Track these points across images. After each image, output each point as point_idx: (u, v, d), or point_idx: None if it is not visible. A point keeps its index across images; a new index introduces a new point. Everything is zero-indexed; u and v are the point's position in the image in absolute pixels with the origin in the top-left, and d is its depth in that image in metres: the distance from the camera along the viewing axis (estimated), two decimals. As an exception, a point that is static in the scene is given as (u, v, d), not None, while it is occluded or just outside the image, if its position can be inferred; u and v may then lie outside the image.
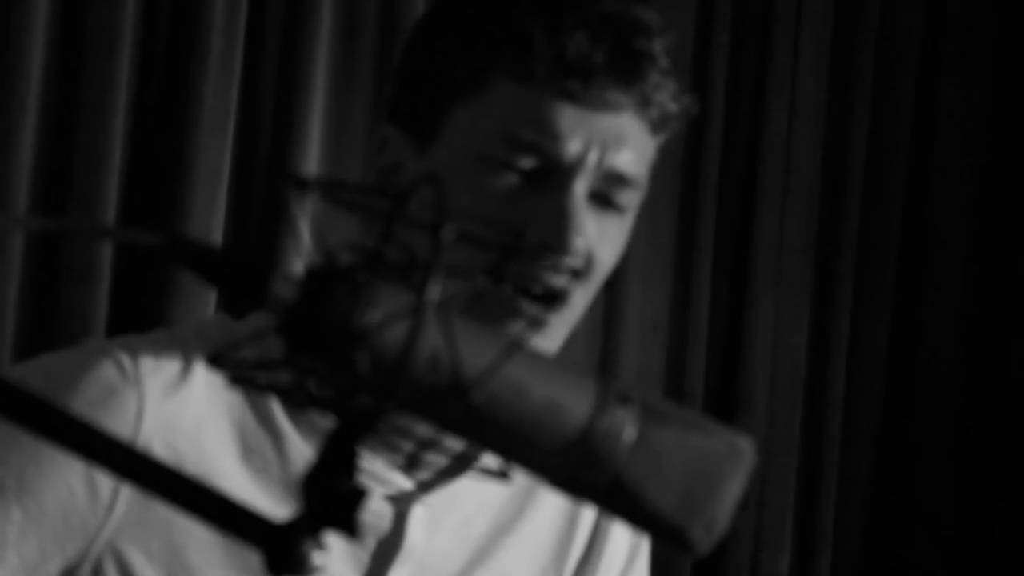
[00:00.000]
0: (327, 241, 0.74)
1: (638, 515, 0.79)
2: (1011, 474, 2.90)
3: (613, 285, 2.65)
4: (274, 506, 1.22)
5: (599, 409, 0.77)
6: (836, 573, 2.88)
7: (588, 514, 1.40)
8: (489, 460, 1.29)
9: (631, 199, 1.25)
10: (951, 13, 2.93)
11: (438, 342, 0.74)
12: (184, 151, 2.42)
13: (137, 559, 1.21)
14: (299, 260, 2.39)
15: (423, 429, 1.26)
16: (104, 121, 2.37)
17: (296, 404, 0.75)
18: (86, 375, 1.20)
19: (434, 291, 0.72)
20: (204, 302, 2.42)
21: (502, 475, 0.82)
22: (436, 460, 1.29)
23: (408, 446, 1.26)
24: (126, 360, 1.21)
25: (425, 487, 1.29)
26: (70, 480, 1.19)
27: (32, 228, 1.80)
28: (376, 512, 1.27)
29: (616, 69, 1.21)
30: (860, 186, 2.89)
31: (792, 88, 2.85)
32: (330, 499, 0.72)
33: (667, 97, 1.25)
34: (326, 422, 0.74)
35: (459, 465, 1.30)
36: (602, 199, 1.23)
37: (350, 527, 0.72)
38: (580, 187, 1.21)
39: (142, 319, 2.39)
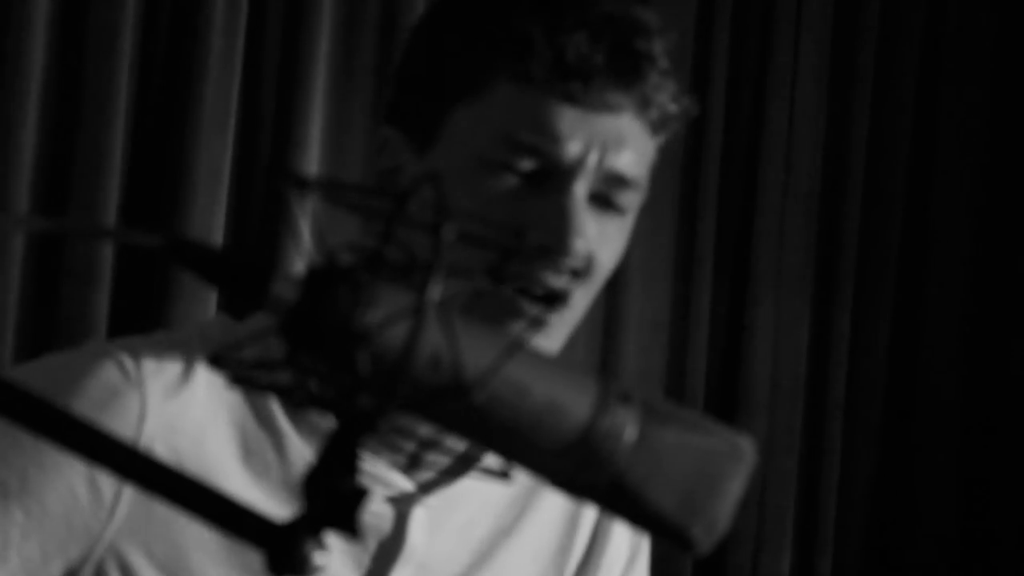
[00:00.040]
0: (328, 241, 0.74)
1: (639, 515, 0.79)
2: (1011, 474, 2.90)
3: (614, 285, 2.65)
4: (275, 507, 1.22)
5: (600, 409, 0.77)
6: (837, 573, 2.88)
7: (589, 515, 1.40)
8: (490, 461, 1.29)
9: (631, 200, 1.25)
10: (951, 13, 2.93)
11: (439, 342, 0.74)
12: (184, 151, 2.42)
13: (139, 560, 1.21)
14: (300, 260, 2.39)
15: (424, 429, 1.26)
16: (105, 121, 2.37)
17: (297, 404, 0.75)
18: (88, 377, 1.20)
19: (435, 291, 0.72)
20: (205, 303, 2.42)
21: (503, 475, 0.82)
22: (437, 461, 1.29)
23: (409, 446, 1.26)
24: (128, 362, 1.21)
25: (426, 488, 1.29)
26: (72, 481, 1.19)
27: (33, 229, 1.80)
28: (376, 513, 1.27)
29: (616, 70, 1.21)
30: (860, 186, 2.89)
31: (792, 88, 2.85)
32: (331, 499, 0.72)
33: (667, 98, 1.24)
34: (327, 423, 0.74)
35: (460, 466, 1.30)
36: (602, 200, 1.23)
37: (351, 527, 0.72)
38: (580, 189, 1.21)
39: (143, 320, 2.39)
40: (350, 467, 0.72)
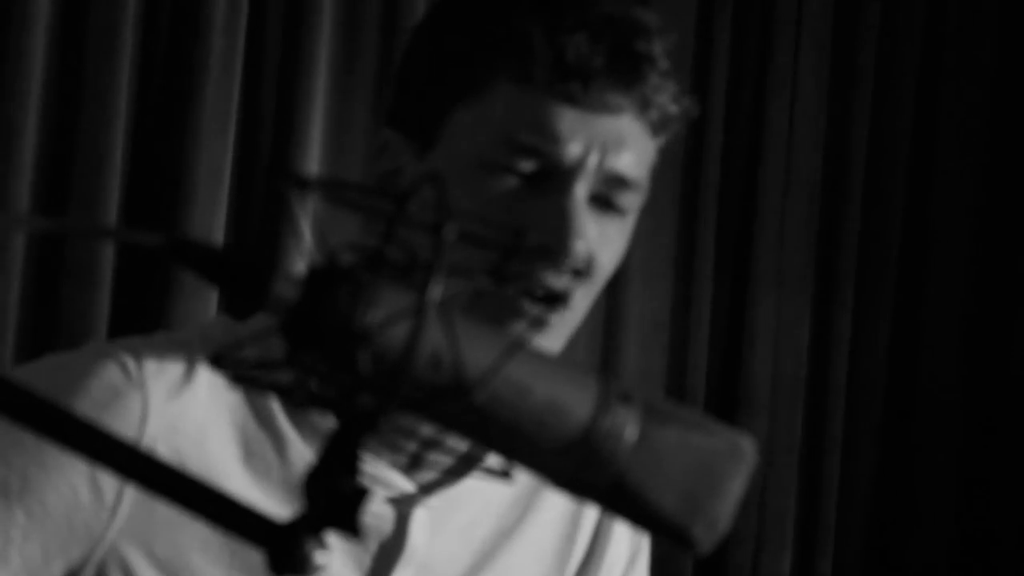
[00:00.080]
0: (328, 241, 0.74)
1: (640, 514, 0.79)
2: (1011, 474, 2.90)
3: (614, 285, 2.65)
4: (275, 508, 1.22)
5: (601, 408, 0.77)
6: (837, 573, 2.88)
7: (590, 516, 1.40)
8: (492, 461, 1.29)
9: (632, 201, 1.25)
10: (951, 13, 2.93)
11: (440, 342, 0.74)
12: (185, 151, 2.42)
13: (140, 561, 1.21)
14: (300, 260, 2.39)
15: (426, 429, 1.26)
16: (105, 121, 2.38)
17: (297, 404, 0.75)
18: (90, 377, 1.20)
19: (436, 291, 0.72)
20: (205, 303, 2.42)
21: (504, 475, 0.82)
22: (438, 461, 1.29)
23: (410, 447, 1.26)
24: (130, 362, 1.21)
25: (427, 489, 1.29)
26: (74, 482, 1.19)
27: (33, 228, 1.80)
28: (377, 514, 1.27)
29: (616, 71, 1.21)
30: (860, 186, 2.89)
31: (792, 88, 2.85)
32: (331, 499, 0.72)
33: (667, 99, 1.24)
34: (327, 424, 0.74)
35: (461, 467, 1.30)
36: (603, 202, 1.23)
37: (352, 527, 0.72)
38: (580, 190, 1.21)
39: (143, 320, 2.39)
40: (351, 467, 0.72)
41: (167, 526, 1.21)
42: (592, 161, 1.21)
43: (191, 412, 1.21)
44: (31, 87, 2.35)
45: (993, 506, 2.91)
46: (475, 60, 1.22)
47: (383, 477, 1.26)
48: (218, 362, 0.75)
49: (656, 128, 1.25)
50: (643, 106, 1.23)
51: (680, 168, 2.79)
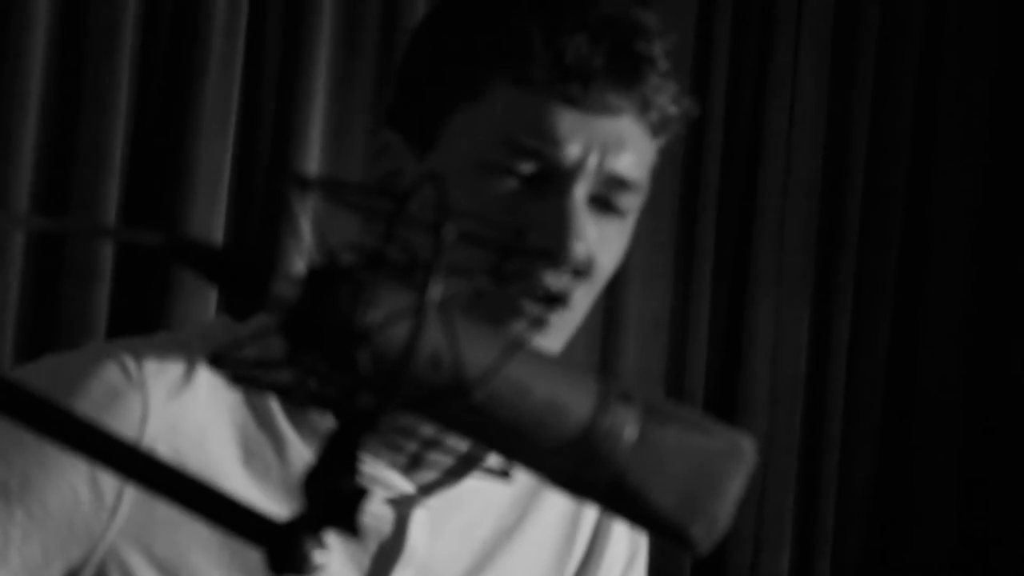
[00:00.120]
0: (328, 241, 0.74)
1: (639, 514, 0.79)
2: (1011, 474, 2.90)
3: (614, 285, 2.64)
4: (275, 508, 1.21)
5: (600, 408, 0.77)
6: (836, 573, 2.89)
7: (590, 516, 1.40)
8: (492, 460, 1.29)
9: (632, 203, 1.25)
10: (951, 13, 2.93)
11: (440, 341, 0.74)
12: (185, 152, 2.42)
13: (140, 561, 1.21)
14: (300, 260, 2.39)
15: (425, 429, 1.26)
16: (105, 121, 2.38)
17: (297, 403, 0.75)
18: (90, 378, 1.20)
19: (435, 290, 0.72)
20: (205, 303, 2.42)
21: (504, 474, 0.82)
22: (438, 461, 1.29)
23: (410, 447, 1.26)
24: (130, 363, 1.21)
25: (426, 490, 1.29)
26: (74, 482, 1.19)
27: (33, 228, 1.80)
28: (376, 515, 1.27)
29: (615, 72, 1.21)
30: (860, 186, 2.89)
31: (792, 88, 2.85)
32: (331, 498, 0.72)
33: (667, 100, 1.24)
34: (327, 425, 0.74)
35: (461, 467, 1.30)
36: (603, 203, 1.23)
37: (351, 526, 0.72)
38: (580, 191, 1.21)
39: (143, 320, 2.39)
40: (350, 466, 0.72)
41: (167, 527, 1.21)
42: (592, 162, 1.21)
43: (191, 412, 1.21)
44: (31, 87, 2.35)
45: (993, 506, 2.91)
46: (475, 61, 1.22)
47: (382, 478, 1.26)
48: (217, 362, 0.75)
49: (656, 129, 1.25)
50: (643, 107, 1.23)
51: (680, 168, 2.79)
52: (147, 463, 0.71)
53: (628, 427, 0.77)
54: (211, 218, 2.43)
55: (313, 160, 2.51)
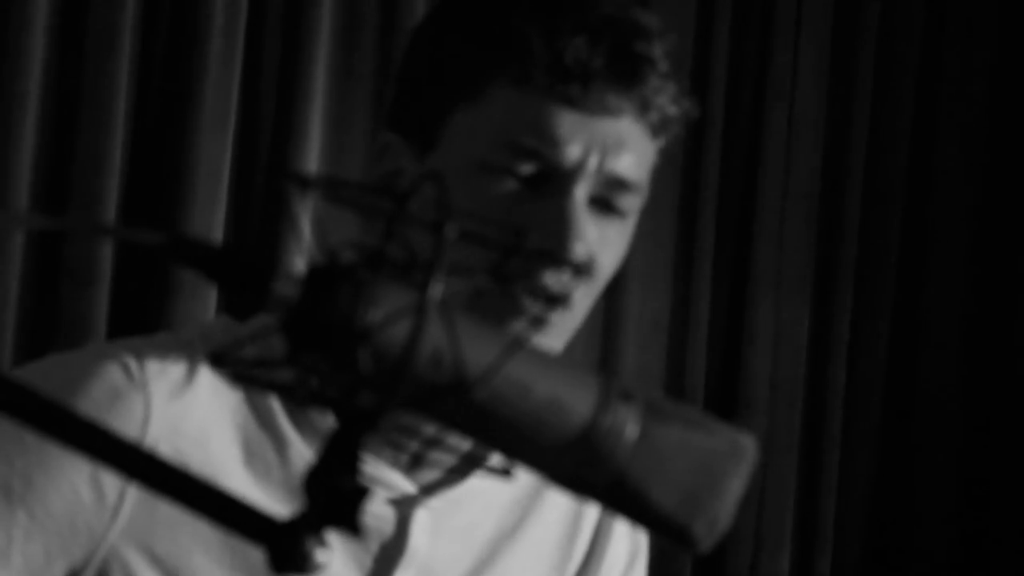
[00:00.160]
0: (329, 240, 0.74)
1: (640, 513, 0.79)
2: (1011, 474, 2.90)
3: (614, 285, 2.62)
4: (276, 509, 1.21)
5: (602, 406, 0.77)
6: (836, 573, 2.89)
7: (591, 516, 1.40)
8: (493, 460, 1.29)
9: (632, 203, 1.24)
10: (951, 13, 2.93)
11: (440, 340, 0.74)
12: (184, 151, 2.42)
13: (141, 562, 1.21)
14: (301, 259, 2.39)
15: (427, 428, 1.26)
16: (105, 121, 2.38)
17: (298, 402, 0.75)
18: (92, 378, 1.20)
19: (436, 289, 0.72)
20: (205, 303, 2.42)
21: (505, 473, 0.82)
22: (440, 460, 1.29)
23: (412, 446, 1.26)
24: (132, 363, 1.21)
25: (428, 491, 1.29)
26: (76, 483, 1.19)
27: (33, 226, 1.80)
28: (378, 515, 1.27)
29: (615, 73, 1.21)
30: (860, 186, 2.89)
31: (792, 88, 2.85)
32: (332, 497, 0.72)
33: (667, 101, 1.24)
34: (328, 425, 0.74)
35: (462, 467, 1.30)
36: (603, 204, 1.23)
37: (352, 525, 0.72)
38: (580, 192, 1.21)
39: (143, 319, 2.39)
40: (351, 465, 0.72)
41: (169, 527, 1.21)
42: (592, 163, 1.21)
43: (193, 413, 1.21)
44: (31, 87, 2.35)
45: (993, 506, 2.91)
46: (474, 62, 1.22)
47: (384, 478, 1.26)
48: (218, 361, 0.75)
49: (656, 130, 1.25)
50: (643, 108, 1.22)
51: (679, 168, 2.79)
52: (149, 462, 0.71)
53: (629, 426, 0.77)
54: (211, 218, 2.43)
55: (313, 160, 2.51)
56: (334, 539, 0.72)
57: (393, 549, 1.27)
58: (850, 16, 2.89)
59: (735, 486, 0.79)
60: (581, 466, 0.77)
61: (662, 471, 0.78)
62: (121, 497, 1.19)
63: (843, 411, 2.88)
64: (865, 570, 2.91)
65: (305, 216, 0.81)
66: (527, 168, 1.20)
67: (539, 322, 1.22)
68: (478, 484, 1.31)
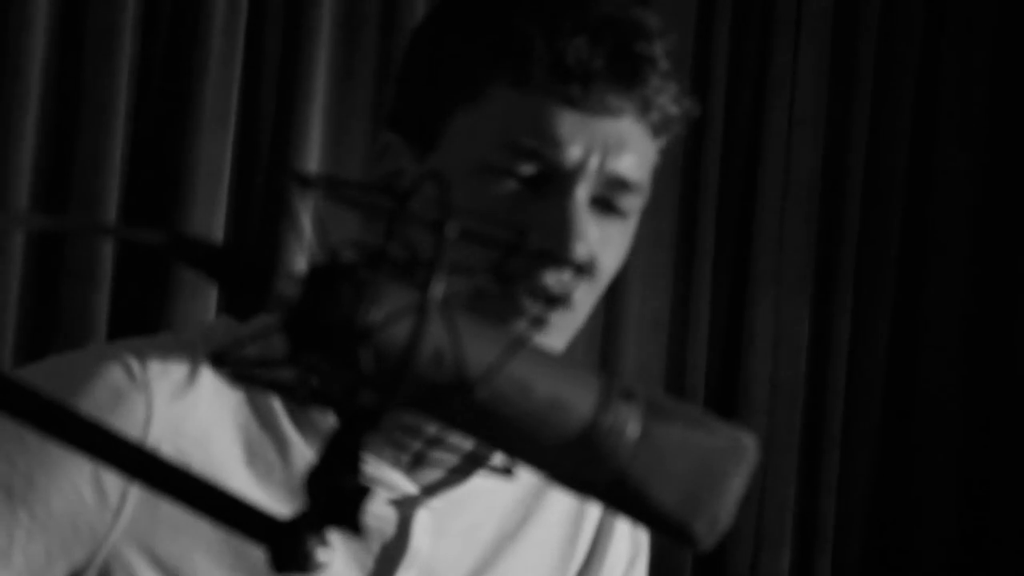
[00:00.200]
0: (330, 239, 0.74)
1: (642, 511, 0.79)
2: (1011, 474, 2.90)
3: (614, 285, 2.62)
4: (278, 509, 1.21)
5: (603, 405, 0.77)
6: (836, 572, 2.89)
7: (592, 516, 1.40)
8: (495, 459, 1.29)
9: (633, 203, 1.24)
10: (951, 13, 2.93)
11: (442, 339, 0.74)
12: (185, 151, 2.42)
13: (143, 563, 1.21)
14: (302, 258, 2.39)
15: (428, 428, 1.26)
16: (105, 121, 2.38)
17: (299, 402, 0.75)
18: (94, 379, 1.20)
19: (437, 288, 0.72)
20: (205, 303, 2.42)
21: (507, 472, 0.82)
22: (442, 459, 1.29)
23: (413, 446, 1.26)
24: (134, 364, 1.21)
25: (430, 491, 1.29)
26: (78, 483, 1.19)
27: (33, 226, 1.80)
28: (379, 516, 1.26)
29: (616, 73, 1.21)
30: (860, 186, 2.89)
31: (792, 88, 2.85)
32: (333, 497, 0.72)
33: (668, 100, 1.24)
34: (329, 425, 0.74)
35: (464, 468, 1.30)
36: (604, 204, 1.23)
37: (353, 525, 0.72)
38: (581, 193, 1.21)
39: (143, 319, 2.39)
40: (352, 465, 0.72)
41: (170, 528, 1.21)
42: (593, 164, 1.21)
43: (195, 413, 1.21)
44: (30, 87, 2.35)
45: (993, 506, 2.91)
46: (475, 63, 1.22)
47: (385, 479, 1.26)
48: (219, 361, 0.75)
49: (657, 130, 1.25)
50: (644, 108, 1.22)
51: (680, 168, 2.79)
52: (151, 462, 0.71)
53: (630, 424, 0.77)
54: (211, 218, 2.43)
55: (313, 160, 2.51)
56: (335, 539, 0.72)
57: (394, 549, 1.27)
58: (850, 16, 2.89)
59: (736, 485, 0.79)
60: (582, 465, 0.77)
61: (663, 470, 0.78)
62: (123, 497, 1.19)
63: (843, 411, 2.88)
64: (865, 570, 2.91)
65: (306, 216, 0.81)
66: (528, 169, 1.20)
67: (539, 322, 1.22)
68: (480, 484, 1.31)
